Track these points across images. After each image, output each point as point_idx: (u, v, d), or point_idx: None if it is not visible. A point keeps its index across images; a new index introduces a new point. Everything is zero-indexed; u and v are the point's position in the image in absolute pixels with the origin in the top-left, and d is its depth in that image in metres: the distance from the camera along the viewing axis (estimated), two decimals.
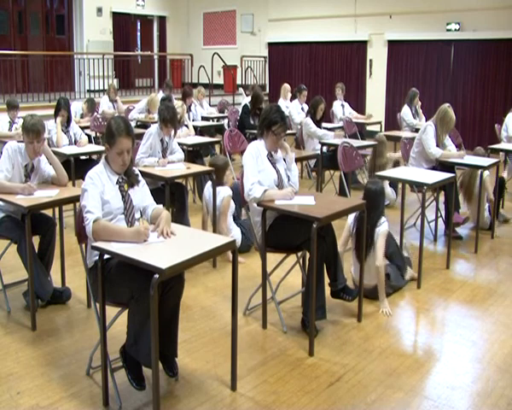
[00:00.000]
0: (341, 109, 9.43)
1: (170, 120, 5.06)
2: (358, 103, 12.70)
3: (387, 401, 2.95)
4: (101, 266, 2.74)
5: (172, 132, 5.20)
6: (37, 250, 3.93)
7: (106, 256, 2.78)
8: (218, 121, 9.54)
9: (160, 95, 9.02)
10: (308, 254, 3.59)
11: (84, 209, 2.89)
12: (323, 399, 2.94)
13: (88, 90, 12.23)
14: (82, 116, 8.71)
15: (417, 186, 4.86)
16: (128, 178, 3.09)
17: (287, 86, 9.98)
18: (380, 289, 3.99)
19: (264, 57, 14.83)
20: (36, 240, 3.92)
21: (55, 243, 4.03)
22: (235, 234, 4.99)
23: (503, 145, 7.12)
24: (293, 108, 8.92)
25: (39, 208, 3.79)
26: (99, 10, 14.03)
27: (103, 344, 2.84)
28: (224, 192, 4.99)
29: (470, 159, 5.55)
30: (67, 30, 14.08)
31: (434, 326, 3.87)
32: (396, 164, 6.73)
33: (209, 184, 5.11)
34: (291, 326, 3.72)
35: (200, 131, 7.80)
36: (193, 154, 6.73)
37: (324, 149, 6.93)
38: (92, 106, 8.75)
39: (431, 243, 5.56)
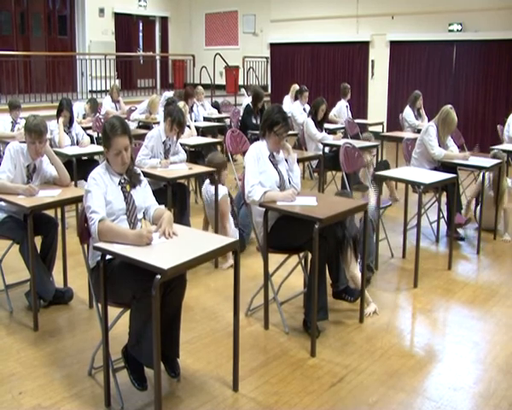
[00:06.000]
0: (346, 110, 9.43)
1: (182, 123, 5.06)
2: (360, 104, 12.70)
3: (389, 401, 2.94)
4: (103, 267, 2.75)
5: (175, 137, 5.19)
6: (39, 251, 3.94)
7: (108, 257, 2.79)
8: (218, 121, 9.53)
9: (165, 96, 9.03)
10: (310, 255, 3.59)
11: (88, 210, 2.89)
12: (325, 400, 2.94)
13: (90, 91, 12.25)
14: (84, 117, 8.72)
15: (418, 186, 4.86)
16: (130, 179, 3.09)
17: (296, 87, 10.09)
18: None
19: (266, 58, 14.84)
20: (38, 240, 3.92)
21: (57, 243, 4.04)
22: (234, 234, 4.98)
23: (506, 146, 7.10)
24: (296, 109, 8.94)
25: (41, 209, 3.79)
26: (101, 11, 14.04)
27: (105, 345, 2.84)
28: (221, 192, 4.97)
29: (473, 160, 5.54)
30: (69, 30, 14.10)
31: (436, 327, 3.86)
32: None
33: (206, 183, 5.10)
34: (293, 327, 3.72)
35: (201, 131, 7.80)
36: (195, 154, 6.74)
37: (326, 149, 6.94)
38: (95, 106, 8.76)
39: (433, 244, 5.55)
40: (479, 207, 5.67)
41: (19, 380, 3.07)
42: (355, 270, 3.87)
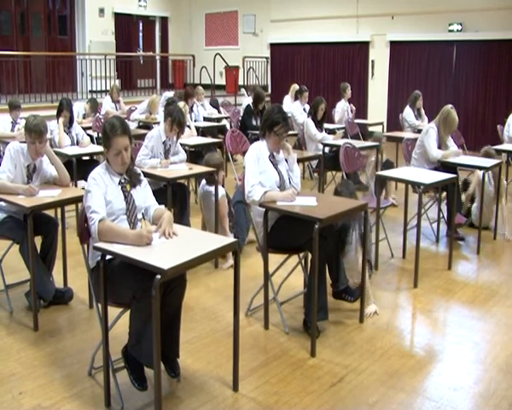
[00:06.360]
0: (347, 110, 9.42)
1: (182, 123, 5.06)
2: (360, 104, 12.69)
3: (389, 402, 2.94)
4: (103, 267, 2.75)
5: (175, 137, 5.19)
6: (39, 251, 3.94)
7: (108, 257, 2.79)
8: (218, 121, 9.53)
9: (165, 96, 9.03)
10: (310, 255, 3.59)
11: (88, 210, 2.89)
12: (325, 400, 2.94)
13: (90, 91, 12.25)
14: (84, 116, 8.73)
15: (418, 186, 4.87)
16: (130, 179, 3.09)
17: (296, 87, 10.07)
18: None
19: (266, 58, 14.84)
20: (38, 240, 3.92)
21: (57, 243, 4.04)
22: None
23: (506, 146, 7.10)
24: (296, 109, 8.94)
25: (41, 209, 3.79)
26: (101, 11, 14.04)
27: (105, 345, 2.84)
28: (219, 192, 4.95)
29: (472, 159, 5.54)
30: (69, 30, 14.09)
31: (436, 327, 3.86)
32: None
33: (203, 183, 5.09)
34: (293, 327, 3.72)
35: (202, 131, 7.80)
36: (195, 154, 6.74)
37: (326, 149, 6.94)
38: (95, 106, 8.76)
39: (433, 244, 5.55)
40: (476, 205, 5.68)
41: (19, 380, 3.07)
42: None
